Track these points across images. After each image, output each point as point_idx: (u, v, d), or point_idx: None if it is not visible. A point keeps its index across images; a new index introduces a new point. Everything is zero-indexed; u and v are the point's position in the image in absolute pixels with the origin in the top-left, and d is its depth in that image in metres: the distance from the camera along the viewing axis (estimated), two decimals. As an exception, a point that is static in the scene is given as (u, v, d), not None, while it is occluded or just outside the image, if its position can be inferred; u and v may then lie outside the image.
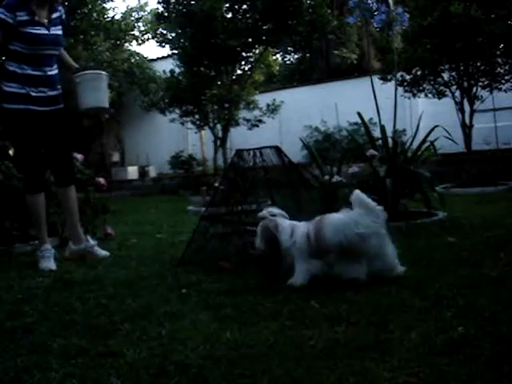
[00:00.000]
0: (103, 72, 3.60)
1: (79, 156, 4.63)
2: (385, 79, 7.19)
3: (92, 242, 3.70)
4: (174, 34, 10.30)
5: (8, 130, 3.60)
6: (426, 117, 5.84)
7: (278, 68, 14.54)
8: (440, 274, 2.58)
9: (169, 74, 10.51)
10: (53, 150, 3.59)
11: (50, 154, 3.60)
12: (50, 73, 3.48)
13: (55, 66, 3.56)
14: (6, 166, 4.41)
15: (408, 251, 3.16)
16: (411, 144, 4.54)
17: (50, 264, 3.39)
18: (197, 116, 10.39)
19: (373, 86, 4.56)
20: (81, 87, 3.49)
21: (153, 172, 13.28)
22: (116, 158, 14.01)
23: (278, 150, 3.31)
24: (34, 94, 3.40)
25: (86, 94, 3.49)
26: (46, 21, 3.41)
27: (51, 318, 2.25)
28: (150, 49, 49.61)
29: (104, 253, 3.68)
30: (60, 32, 3.53)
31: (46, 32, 3.40)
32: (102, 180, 4.82)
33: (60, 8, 3.58)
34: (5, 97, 3.40)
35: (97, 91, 3.53)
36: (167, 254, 3.65)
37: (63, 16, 3.61)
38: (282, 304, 2.26)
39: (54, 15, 3.49)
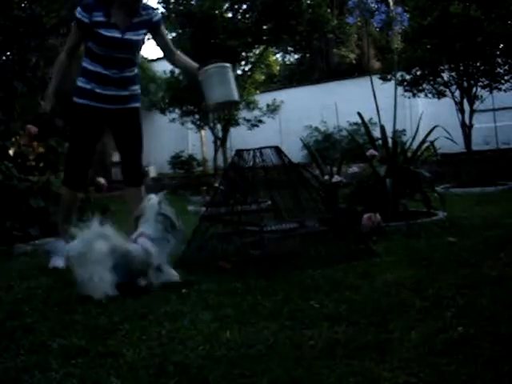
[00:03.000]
0: (226, 64, 3.39)
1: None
2: (385, 79, 7.19)
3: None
4: (174, 34, 10.30)
5: (72, 121, 3.56)
6: (426, 117, 5.84)
7: (278, 68, 14.54)
8: (440, 274, 2.57)
9: (169, 74, 10.52)
10: (122, 148, 3.56)
11: (120, 152, 3.58)
12: (120, 74, 3.38)
13: (130, 69, 3.44)
14: (6, 166, 4.42)
15: (408, 251, 3.17)
16: (411, 144, 4.54)
17: (58, 262, 3.37)
18: (197, 116, 10.39)
19: (373, 86, 4.56)
20: (206, 83, 3.32)
21: (153, 172, 13.28)
22: (116, 157, 13.97)
23: (277, 150, 3.31)
24: (98, 90, 3.35)
25: (214, 90, 3.31)
26: (123, 24, 3.29)
27: (51, 318, 2.25)
28: (150, 49, 49.63)
29: None
30: (137, 37, 3.37)
31: (119, 36, 3.29)
32: (102, 180, 4.82)
33: (147, 12, 3.36)
34: (75, 90, 3.43)
35: (223, 84, 3.33)
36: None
37: (153, 19, 3.39)
38: (281, 304, 2.25)
39: (136, 19, 3.32)
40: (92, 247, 2.53)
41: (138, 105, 3.56)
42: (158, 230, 2.76)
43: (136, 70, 3.53)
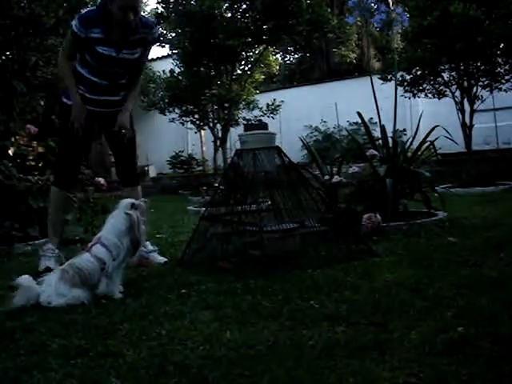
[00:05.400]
0: (273, 132, 3.40)
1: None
2: (385, 79, 7.19)
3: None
4: (173, 34, 10.30)
5: (62, 123, 3.54)
6: (426, 117, 5.84)
7: (278, 68, 14.53)
8: (440, 274, 2.58)
9: (168, 74, 10.51)
10: (115, 149, 3.55)
11: (114, 153, 3.58)
12: (112, 84, 3.37)
13: (121, 80, 3.42)
14: (6, 165, 4.42)
15: (408, 251, 3.17)
16: (411, 144, 4.54)
17: (49, 263, 3.37)
18: (196, 116, 10.39)
19: (373, 86, 4.55)
20: (250, 145, 3.29)
21: (153, 172, 13.28)
22: (116, 157, 14.00)
23: (278, 149, 3.31)
24: (88, 95, 3.34)
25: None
26: (120, 42, 3.23)
27: (51, 318, 2.25)
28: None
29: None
30: (133, 56, 3.32)
31: (115, 55, 3.25)
32: (101, 180, 4.81)
33: (144, 30, 3.28)
34: (65, 91, 3.41)
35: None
36: (167, 254, 3.65)
37: (148, 38, 3.34)
38: (281, 304, 2.26)
39: (133, 37, 3.26)
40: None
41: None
42: (120, 229, 2.68)
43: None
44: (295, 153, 8.25)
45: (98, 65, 3.28)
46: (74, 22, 3.20)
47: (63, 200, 3.51)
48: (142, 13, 3.43)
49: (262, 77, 11.33)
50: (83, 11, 3.29)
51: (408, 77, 7.25)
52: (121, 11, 3.11)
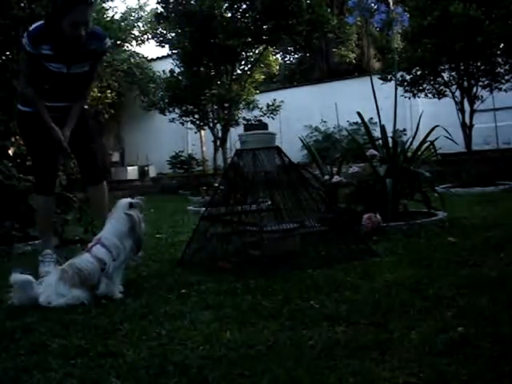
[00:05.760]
0: (272, 132, 3.42)
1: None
2: (385, 79, 7.19)
3: None
4: (173, 34, 10.31)
5: (22, 131, 3.56)
6: (426, 117, 5.84)
7: (278, 68, 14.53)
8: (440, 274, 2.57)
9: (168, 74, 10.52)
10: (75, 149, 3.51)
11: (74, 153, 3.55)
12: (67, 91, 3.35)
13: (77, 88, 3.39)
14: (6, 165, 4.42)
15: (408, 251, 3.17)
16: (411, 144, 4.54)
17: (49, 268, 3.36)
18: (196, 116, 10.39)
19: (373, 86, 4.55)
20: (249, 145, 3.31)
21: (152, 172, 13.28)
22: (116, 157, 14.01)
23: (278, 150, 3.31)
24: (48, 103, 3.31)
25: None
26: (69, 57, 3.20)
27: (51, 318, 2.25)
28: (150, 49, 49.65)
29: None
30: (82, 70, 3.28)
31: (65, 71, 3.23)
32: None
33: (92, 41, 3.23)
34: (22, 99, 3.40)
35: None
36: (167, 254, 3.65)
37: (99, 48, 3.30)
38: (282, 304, 2.26)
39: (82, 50, 3.21)
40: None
41: (84, 106, 3.53)
42: (120, 230, 2.69)
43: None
44: (295, 153, 8.25)
45: (49, 80, 3.25)
46: (24, 40, 3.15)
47: (50, 205, 3.49)
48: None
49: (262, 77, 11.34)
50: (31, 27, 3.22)
51: (408, 77, 7.25)
52: (72, 27, 3.07)
